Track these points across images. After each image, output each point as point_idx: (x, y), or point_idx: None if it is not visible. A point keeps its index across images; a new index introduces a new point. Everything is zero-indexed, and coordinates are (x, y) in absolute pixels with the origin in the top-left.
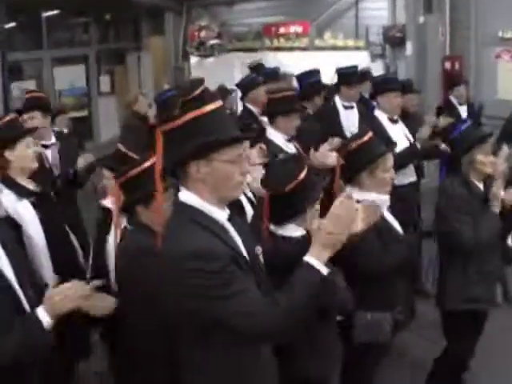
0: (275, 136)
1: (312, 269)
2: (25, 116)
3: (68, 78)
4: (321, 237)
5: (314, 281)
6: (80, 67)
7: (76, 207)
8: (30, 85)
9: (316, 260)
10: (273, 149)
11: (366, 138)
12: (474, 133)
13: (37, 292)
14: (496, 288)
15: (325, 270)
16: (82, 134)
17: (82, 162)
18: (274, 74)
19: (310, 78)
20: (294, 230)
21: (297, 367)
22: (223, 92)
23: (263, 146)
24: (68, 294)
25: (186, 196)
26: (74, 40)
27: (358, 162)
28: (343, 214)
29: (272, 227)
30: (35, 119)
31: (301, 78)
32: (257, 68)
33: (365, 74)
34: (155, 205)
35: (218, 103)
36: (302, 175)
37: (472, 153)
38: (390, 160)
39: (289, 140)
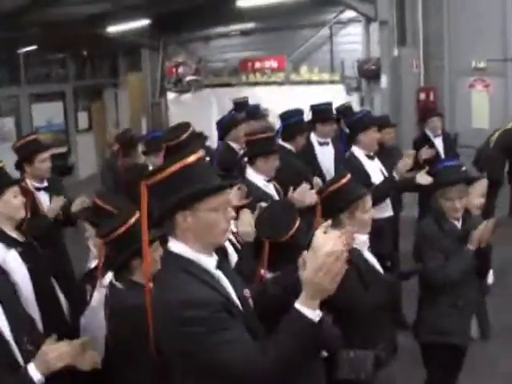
0: (255, 177)
1: (302, 316)
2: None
3: (46, 114)
4: (310, 284)
5: (304, 328)
6: (57, 104)
7: (64, 249)
8: (9, 122)
9: (306, 307)
10: (252, 190)
11: (345, 180)
12: (449, 174)
13: (34, 342)
14: (470, 323)
15: (315, 317)
16: (60, 170)
17: (78, 204)
18: (255, 112)
19: (292, 118)
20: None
21: None
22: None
23: (243, 187)
24: (62, 353)
25: (175, 246)
26: (52, 76)
27: (338, 203)
28: (331, 264)
29: (268, 275)
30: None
31: (284, 117)
32: (240, 105)
33: (345, 110)
34: (143, 256)
35: (199, 154)
36: (298, 222)
37: (443, 192)
38: (368, 201)
39: (268, 181)
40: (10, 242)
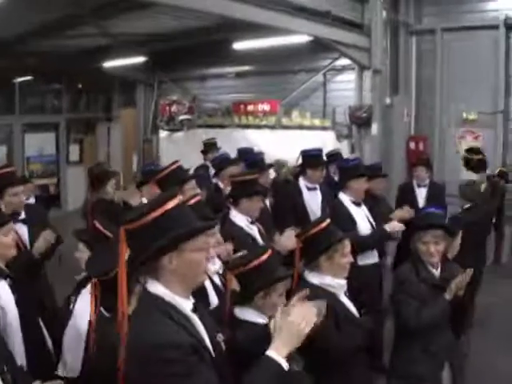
0: (238, 218)
1: (273, 363)
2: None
3: (38, 144)
4: (282, 333)
5: (274, 376)
6: (50, 135)
7: (46, 280)
8: (1, 150)
9: (277, 355)
10: (236, 231)
11: (324, 224)
12: (428, 219)
13: (14, 376)
14: (442, 369)
15: (285, 365)
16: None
17: (41, 245)
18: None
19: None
20: (254, 316)
21: None
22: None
23: (229, 248)
24: None
25: (153, 287)
26: (46, 107)
27: (317, 246)
28: (306, 312)
29: (236, 311)
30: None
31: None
32: (208, 146)
33: (334, 156)
34: (119, 298)
35: (178, 198)
36: (259, 260)
37: (419, 236)
38: (347, 246)
39: (252, 222)
40: (1, 274)
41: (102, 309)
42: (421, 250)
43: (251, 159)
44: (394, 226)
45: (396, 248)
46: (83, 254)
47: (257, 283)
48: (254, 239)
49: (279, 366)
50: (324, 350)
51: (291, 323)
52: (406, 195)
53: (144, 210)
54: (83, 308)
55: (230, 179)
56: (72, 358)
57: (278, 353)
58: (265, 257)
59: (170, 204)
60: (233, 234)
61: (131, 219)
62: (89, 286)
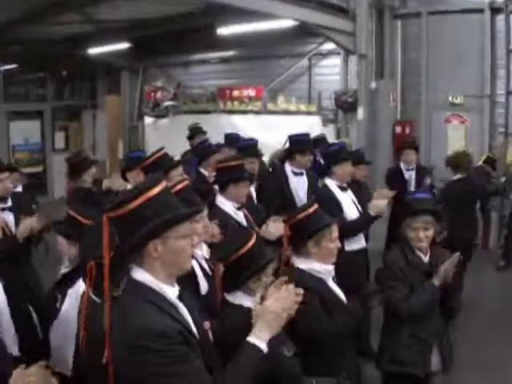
0: (225, 204)
1: (255, 349)
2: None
3: (23, 133)
4: (263, 317)
5: (256, 361)
6: (35, 122)
7: (33, 269)
8: None
9: (258, 340)
10: (222, 217)
11: (312, 210)
12: (416, 204)
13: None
14: (430, 354)
15: (266, 350)
16: (35, 189)
17: (22, 230)
18: (251, 150)
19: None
20: (244, 299)
21: None
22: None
23: (215, 231)
24: (31, 380)
25: (139, 274)
26: (30, 95)
27: (305, 231)
28: (285, 299)
29: (226, 296)
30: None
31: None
32: (194, 131)
33: (319, 141)
34: (104, 284)
35: (162, 184)
36: (249, 245)
37: (408, 222)
38: (335, 231)
39: (238, 208)
40: None
41: (91, 294)
42: (410, 236)
43: (244, 144)
44: (376, 207)
45: (387, 231)
46: (62, 246)
47: (249, 269)
48: (240, 225)
49: (260, 351)
50: (313, 335)
51: (270, 308)
52: (395, 179)
53: (128, 196)
54: (70, 309)
55: (217, 165)
56: (60, 356)
57: (258, 338)
58: (252, 242)
59: (154, 190)
60: (220, 220)
61: (114, 206)
62: (76, 286)
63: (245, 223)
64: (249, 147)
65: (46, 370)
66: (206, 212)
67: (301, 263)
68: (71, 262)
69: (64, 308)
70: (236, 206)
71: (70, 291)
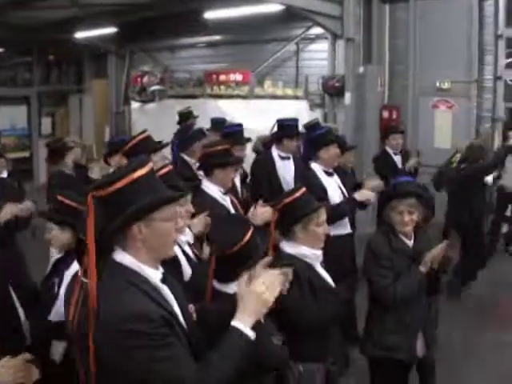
0: (211, 189)
1: (239, 334)
2: None
3: (10, 118)
4: (247, 300)
5: (240, 346)
6: (22, 108)
7: (19, 254)
8: None
9: (243, 325)
10: (208, 201)
11: (299, 194)
12: (401, 188)
13: None
14: (415, 340)
15: (251, 335)
16: (22, 174)
17: (3, 214)
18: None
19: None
20: (224, 285)
21: None
22: None
23: (207, 220)
24: (7, 370)
25: (122, 256)
26: (17, 80)
27: (292, 215)
28: (270, 279)
29: (217, 285)
30: None
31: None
32: (185, 115)
33: (314, 126)
34: (91, 268)
35: (148, 166)
36: (248, 236)
37: (393, 206)
38: (323, 215)
39: (225, 193)
40: None
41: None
42: (394, 220)
43: (229, 131)
44: (364, 195)
45: (377, 217)
46: (53, 232)
47: (246, 263)
48: (227, 210)
49: (244, 335)
50: (300, 319)
51: (253, 292)
52: (385, 163)
53: (113, 177)
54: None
55: (204, 149)
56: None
57: (242, 322)
58: (249, 235)
59: (140, 172)
60: (206, 205)
61: (99, 186)
62: (71, 268)
63: (232, 208)
64: (235, 134)
65: (28, 362)
66: (189, 197)
67: (288, 248)
68: (61, 249)
69: (62, 290)
70: (222, 191)
71: (66, 273)
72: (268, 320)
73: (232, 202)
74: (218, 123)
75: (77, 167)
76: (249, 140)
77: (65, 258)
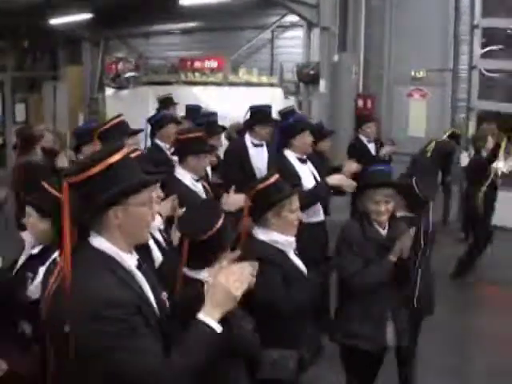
0: (183, 175)
1: (206, 327)
2: None
3: None
4: (213, 294)
5: (208, 339)
6: None
7: None
8: None
9: (209, 318)
10: (181, 188)
11: (272, 180)
12: (376, 177)
13: None
14: (384, 329)
15: (218, 328)
16: None
17: None
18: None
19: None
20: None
21: None
22: None
23: (175, 203)
24: None
25: (97, 242)
26: None
27: (265, 202)
28: (239, 272)
29: (188, 272)
30: None
31: None
32: (165, 102)
33: (288, 114)
34: (64, 254)
35: (123, 151)
36: (219, 224)
37: (368, 195)
38: (295, 202)
39: (197, 180)
40: None
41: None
42: (370, 209)
43: (203, 121)
44: (335, 179)
45: (351, 204)
46: (31, 219)
47: (217, 249)
48: (199, 197)
49: (210, 328)
50: (273, 307)
51: (221, 285)
52: (360, 152)
53: (88, 163)
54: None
55: (178, 136)
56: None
57: (208, 315)
58: (221, 222)
59: (116, 157)
60: (178, 191)
61: (74, 172)
62: (47, 264)
63: (204, 195)
64: (210, 125)
65: None
66: (158, 182)
67: (261, 234)
68: (38, 239)
69: (34, 285)
70: (195, 177)
71: (41, 269)
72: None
73: (204, 188)
74: (193, 110)
75: (48, 154)
76: (224, 129)
77: (41, 255)
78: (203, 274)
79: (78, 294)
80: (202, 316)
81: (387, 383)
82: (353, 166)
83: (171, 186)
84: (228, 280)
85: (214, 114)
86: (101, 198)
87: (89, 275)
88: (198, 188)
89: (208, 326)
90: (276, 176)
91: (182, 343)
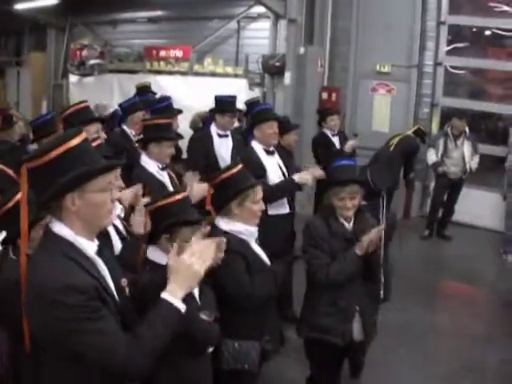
0: (149, 164)
1: (169, 306)
2: None
3: None
4: (177, 272)
5: (171, 318)
6: None
7: None
8: None
9: (173, 297)
10: (146, 176)
11: (235, 170)
12: (342, 173)
13: None
14: (351, 323)
15: (182, 307)
16: None
17: None
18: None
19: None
20: (159, 256)
21: None
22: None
23: (138, 189)
24: None
25: (57, 227)
26: None
27: (228, 191)
28: (201, 250)
29: (150, 255)
30: None
31: None
32: (142, 90)
33: (254, 105)
34: (21, 238)
35: (83, 136)
36: (168, 200)
37: (334, 192)
38: (259, 192)
39: (163, 168)
40: None
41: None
42: (336, 205)
43: (157, 107)
44: (303, 178)
45: (314, 197)
46: None
47: (162, 223)
48: (164, 186)
49: (174, 308)
50: (236, 296)
51: (184, 264)
52: (324, 145)
53: (46, 146)
54: None
55: (143, 122)
56: None
57: (172, 295)
58: (176, 198)
59: (74, 142)
60: (143, 179)
61: (33, 156)
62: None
63: (169, 184)
64: (165, 109)
65: None
66: (118, 171)
67: (223, 224)
68: None
69: None
70: (160, 166)
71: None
72: (210, 294)
73: (170, 177)
74: (148, 101)
75: (21, 141)
76: (180, 112)
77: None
78: (155, 255)
79: (35, 281)
80: (165, 295)
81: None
82: (316, 173)
83: (136, 173)
84: (190, 258)
85: (169, 98)
86: (56, 183)
87: (47, 261)
88: (164, 176)
89: (171, 305)
90: (240, 166)
91: (146, 321)
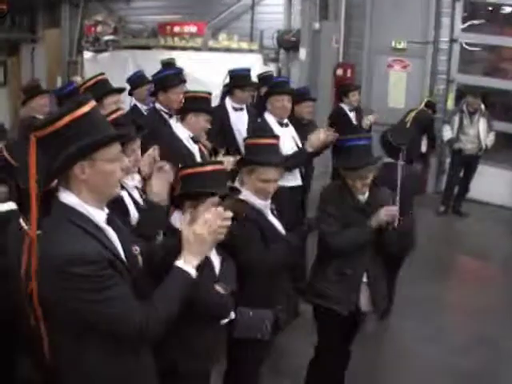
0: (180, 131)
1: (181, 273)
2: None
3: None
4: (189, 241)
5: (184, 285)
6: None
7: None
8: None
9: (185, 264)
10: (175, 142)
11: (266, 141)
12: (354, 154)
13: None
14: (356, 293)
15: (194, 274)
16: None
17: None
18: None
19: None
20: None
21: (165, 359)
22: None
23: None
24: None
25: (66, 197)
26: None
27: (246, 162)
28: (212, 219)
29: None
30: None
31: None
32: (168, 65)
33: (266, 78)
34: (31, 208)
35: (92, 104)
36: (195, 169)
37: (346, 174)
38: (267, 173)
39: (196, 142)
40: None
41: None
42: (350, 184)
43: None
44: (312, 142)
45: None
46: None
47: (185, 190)
48: (193, 154)
49: (188, 275)
50: (251, 264)
51: (195, 231)
52: (341, 120)
53: (55, 115)
54: None
55: (184, 95)
56: None
57: (185, 262)
58: (207, 168)
59: (82, 110)
60: (171, 144)
61: (41, 126)
62: None
63: (197, 156)
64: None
65: None
66: (138, 143)
67: (242, 194)
68: None
69: None
70: (191, 135)
71: None
72: (231, 268)
73: (200, 150)
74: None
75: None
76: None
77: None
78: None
79: (46, 252)
80: (179, 263)
81: None
82: (321, 136)
83: (166, 140)
84: (203, 227)
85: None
86: (66, 152)
87: (56, 232)
88: (193, 146)
89: (184, 272)
90: (273, 140)
91: (159, 288)
